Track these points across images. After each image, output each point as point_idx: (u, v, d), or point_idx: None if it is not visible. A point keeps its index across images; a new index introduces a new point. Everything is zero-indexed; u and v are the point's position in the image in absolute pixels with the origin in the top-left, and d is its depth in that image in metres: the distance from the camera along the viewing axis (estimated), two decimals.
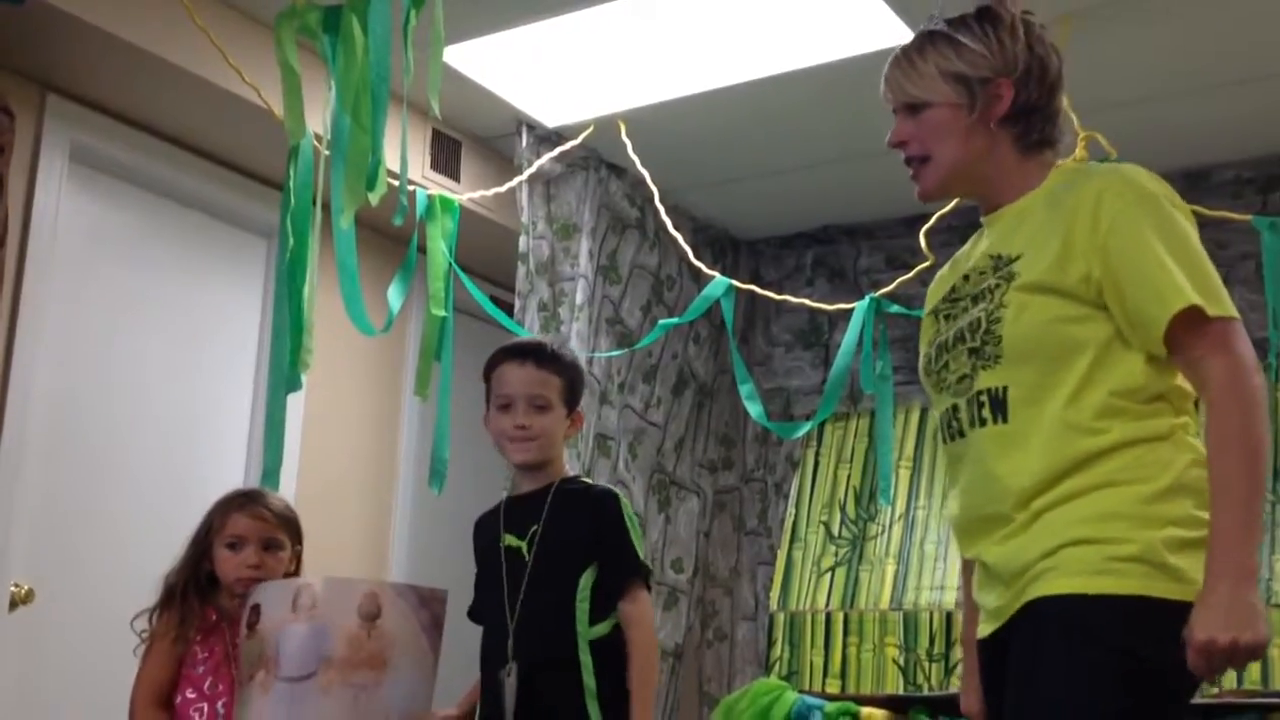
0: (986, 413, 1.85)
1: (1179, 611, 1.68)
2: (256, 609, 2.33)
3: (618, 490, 2.58)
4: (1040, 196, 1.94)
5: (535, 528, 2.47)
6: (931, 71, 1.97)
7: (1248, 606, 1.63)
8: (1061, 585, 1.74)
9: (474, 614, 2.56)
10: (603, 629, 2.41)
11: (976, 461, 1.88)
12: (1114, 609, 1.72)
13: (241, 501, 2.67)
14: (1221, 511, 1.69)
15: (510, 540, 2.49)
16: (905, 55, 2.01)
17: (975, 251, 2.01)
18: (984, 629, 1.91)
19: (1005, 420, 1.84)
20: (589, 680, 2.35)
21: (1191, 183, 4.35)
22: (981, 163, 1.96)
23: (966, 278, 1.97)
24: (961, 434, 1.91)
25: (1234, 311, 1.79)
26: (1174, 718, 1.78)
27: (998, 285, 1.88)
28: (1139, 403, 1.80)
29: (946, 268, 2.09)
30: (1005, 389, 1.84)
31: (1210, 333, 1.76)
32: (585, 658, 2.36)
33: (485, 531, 2.59)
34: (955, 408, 1.91)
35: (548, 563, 2.44)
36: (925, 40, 2.00)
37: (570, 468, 2.68)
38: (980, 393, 1.87)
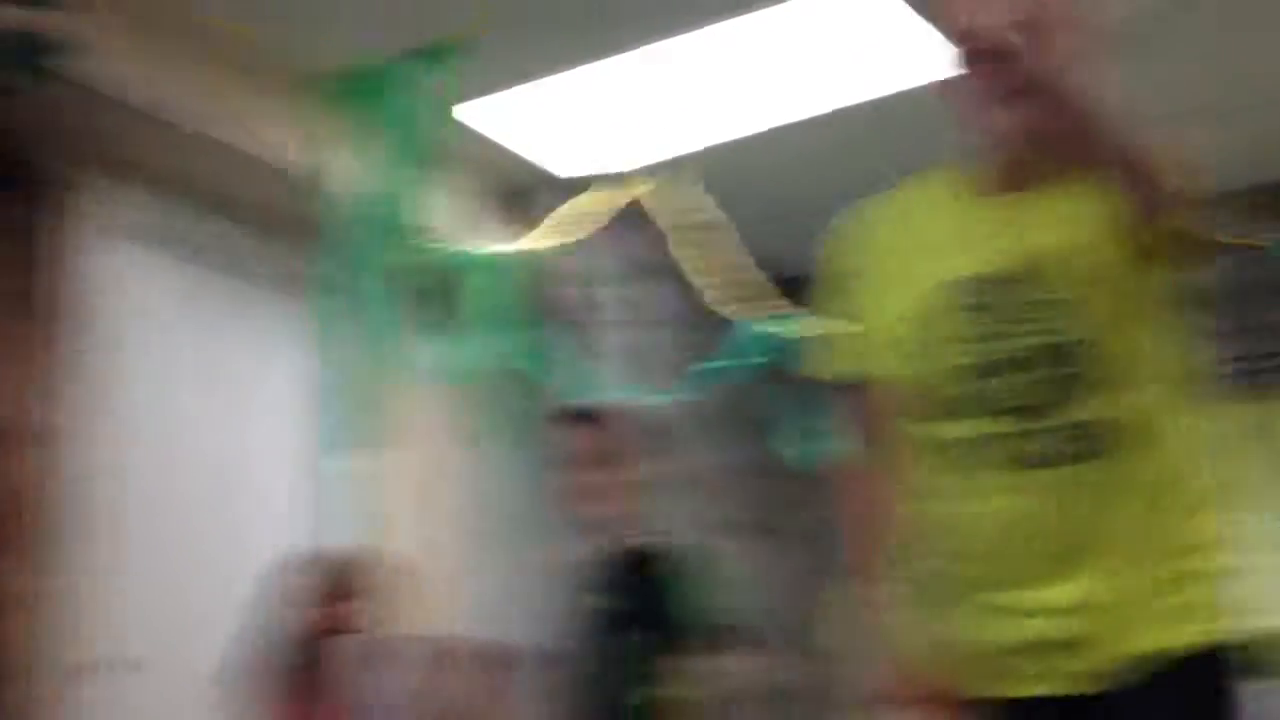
0: None
1: None
2: (340, 665, 2.35)
3: (687, 546, 2.57)
4: None
5: (608, 589, 2.50)
6: None
7: None
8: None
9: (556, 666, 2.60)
10: (653, 694, 2.41)
11: None
12: None
13: (306, 563, 2.73)
14: None
15: (586, 599, 2.53)
16: None
17: None
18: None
19: None
20: None
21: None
22: None
23: None
24: None
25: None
26: None
27: None
28: None
29: None
30: None
31: None
32: None
33: (571, 587, 2.62)
34: None
35: (616, 624, 2.47)
36: None
37: (643, 521, 2.67)
38: None
